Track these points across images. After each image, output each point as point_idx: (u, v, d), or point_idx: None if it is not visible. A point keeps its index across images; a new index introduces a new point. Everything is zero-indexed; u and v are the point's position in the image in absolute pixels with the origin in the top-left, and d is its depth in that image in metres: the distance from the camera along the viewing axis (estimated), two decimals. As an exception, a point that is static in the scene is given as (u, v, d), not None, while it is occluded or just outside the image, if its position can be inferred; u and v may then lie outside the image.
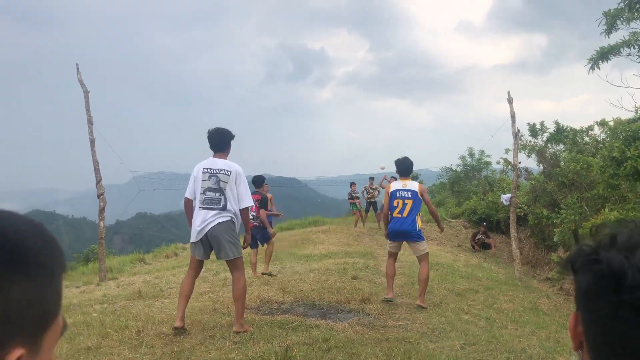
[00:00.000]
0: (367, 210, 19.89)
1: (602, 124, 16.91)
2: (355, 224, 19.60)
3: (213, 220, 5.46)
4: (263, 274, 9.52)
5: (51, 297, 0.74)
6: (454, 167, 27.75)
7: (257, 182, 10.31)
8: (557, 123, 18.59)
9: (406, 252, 12.96)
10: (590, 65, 11.78)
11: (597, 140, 17.45)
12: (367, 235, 17.32)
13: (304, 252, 13.33)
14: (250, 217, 8.99)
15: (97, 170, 11.73)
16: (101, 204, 11.66)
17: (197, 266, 5.75)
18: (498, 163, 23.10)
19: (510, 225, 12.64)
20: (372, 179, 20.08)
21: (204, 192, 5.57)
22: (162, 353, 4.83)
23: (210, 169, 5.62)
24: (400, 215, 7.10)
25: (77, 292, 9.72)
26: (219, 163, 5.66)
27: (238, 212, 5.59)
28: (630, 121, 11.54)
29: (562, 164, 16.65)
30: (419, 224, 7.13)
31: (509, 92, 12.76)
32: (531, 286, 10.87)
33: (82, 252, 20.24)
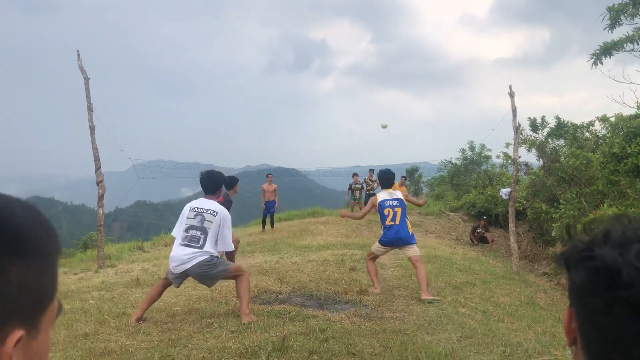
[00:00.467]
0: (365, 203, 19.89)
1: (603, 119, 16.89)
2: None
3: (194, 259, 5.49)
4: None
5: (48, 280, 0.74)
6: (453, 161, 27.76)
7: (229, 184, 8.69)
8: (558, 118, 18.58)
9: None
10: (593, 60, 11.75)
11: (597, 136, 17.45)
12: (366, 227, 17.34)
13: (302, 242, 13.35)
14: None
15: (96, 157, 11.72)
16: (100, 191, 11.66)
17: (168, 282, 5.84)
18: (498, 157, 23.12)
19: (509, 220, 12.66)
20: (372, 170, 20.08)
21: (187, 230, 5.64)
22: (160, 340, 4.85)
23: (198, 208, 5.74)
24: (393, 223, 7.35)
25: (75, 278, 9.74)
26: (208, 204, 5.78)
27: (216, 253, 5.65)
28: (632, 117, 11.53)
29: (562, 159, 16.66)
30: (410, 228, 7.44)
31: (510, 86, 12.73)
32: (528, 280, 10.90)
33: (80, 239, 20.28)
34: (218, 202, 8.32)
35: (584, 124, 18.33)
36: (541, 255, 15.59)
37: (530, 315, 6.98)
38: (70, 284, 8.72)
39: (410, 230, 7.41)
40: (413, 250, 7.33)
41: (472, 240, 16.75)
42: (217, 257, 5.65)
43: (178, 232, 5.72)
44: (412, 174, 35.66)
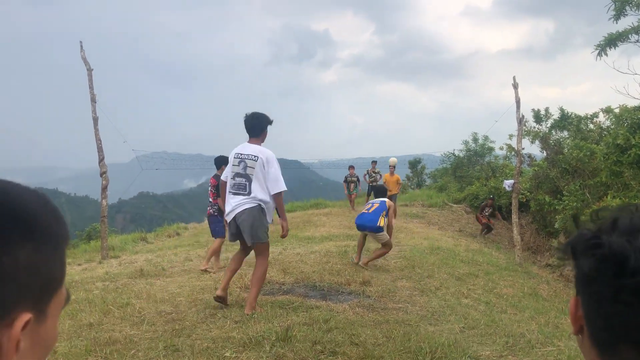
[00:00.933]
0: (368, 194, 19.84)
1: (608, 111, 16.82)
2: (353, 206, 19.61)
3: (240, 206, 5.49)
4: (202, 270, 8.43)
5: (56, 266, 0.75)
6: (456, 153, 27.71)
7: (217, 163, 8.91)
8: (561, 110, 18.51)
9: (407, 236, 12.99)
10: (597, 51, 11.68)
11: (601, 128, 17.38)
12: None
13: (305, 234, 13.37)
14: (209, 202, 8.88)
15: (100, 148, 11.73)
16: (104, 182, 11.69)
17: (242, 247, 5.84)
18: (501, 149, 23.07)
19: (512, 211, 12.65)
20: (374, 162, 20.02)
21: (233, 177, 5.60)
22: (164, 331, 4.87)
23: (241, 154, 5.62)
24: (366, 211, 8.90)
25: (79, 269, 9.78)
26: (248, 148, 5.63)
27: (267, 198, 5.55)
28: (636, 109, 11.48)
29: (565, 150, 16.61)
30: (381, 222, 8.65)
31: (514, 78, 12.68)
32: (531, 272, 10.90)
33: (84, 230, 20.35)
34: (218, 175, 8.45)
35: (588, 116, 18.26)
36: (544, 247, 15.59)
37: (533, 306, 6.99)
38: (74, 274, 8.76)
39: (378, 223, 8.59)
40: (379, 239, 8.70)
41: (479, 221, 16.58)
42: (265, 206, 5.55)
43: (227, 179, 5.68)
44: (414, 166, 35.61)
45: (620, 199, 10.88)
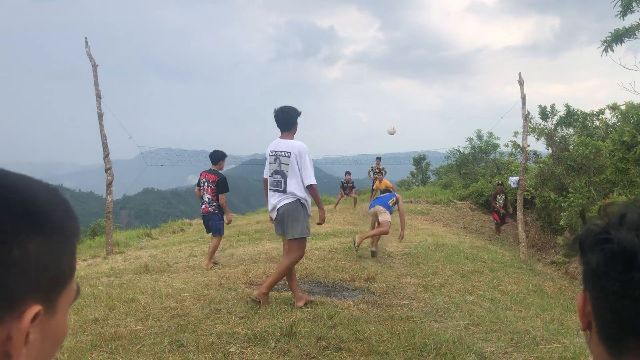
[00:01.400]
0: (373, 190, 19.85)
1: (614, 107, 16.73)
2: (355, 205, 19.61)
3: (280, 202, 5.60)
4: (209, 267, 8.26)
5: (66, 259, 0.74)
6: (461, 149, 27.65)
7: (214, 157, 8.73)
8: (567, 106, 18.41)
9: (412, 232, 12.97)
10: (603, 47, 11.62)
11: (607, 124, 17.30)
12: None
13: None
14: (206, 199, 8.46)
15: (104, 144, 11.77)
16: (109, 178, 11.72)
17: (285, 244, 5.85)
18: (506, 145, 23.00)
19: (517, 208, 12.63)
20: (379, 159, 20.00)
21: (271, 175, 5.70)
22: (169, 326, 4.88)
23: (275, 151, 5.68)
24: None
25: (84, 265, 9.83)
26: (281, 145, 5.67)
27: (304, 193, 5.62)
28: (643, 105, 11.42)
29: (571, 147, 16.54)
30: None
31: (520, 74, 12.64)
32: (536, 269, 10.88)
33: (89, 226, 20.42)
34: (215, 170, 8.40)
35: (594, 112, 18.17)
36: (549, 244, 15.55)
37: (538, 303, 6.98)
38: (79, 270, 8.79)
39: (387, 203, 9.70)
40: (382, 217, 9.48)
41: (494, 207, 16.46)
42: (304, 200, 5.62)
43: (267, 177, 5.79)
44: (419, 163, 35.56)
45: (626, 196, 10.84)
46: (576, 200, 12.96)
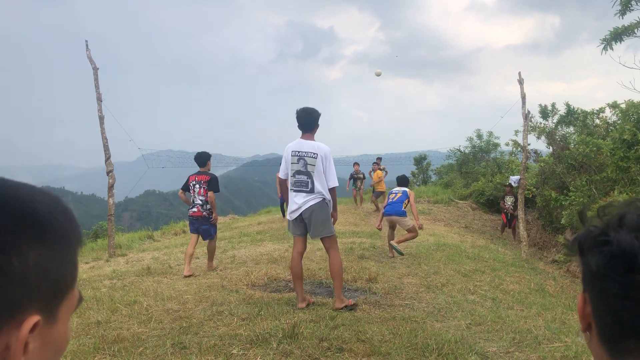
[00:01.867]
0: (374, 191, 19.85)
1: (614, 106, 16.71)
2: (355, 202, 19.63)
3: (305, 203, 5.62)
4: (211, 271, 8.13)
5: (67, 267, 0.74)
6: (462, 149, 27.64)
7: (201, 159, 8.37)
8: (567, 105, 18.40)
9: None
10: (603, 46, 11.62)
11: (607, 123, 17.28)
12: (374, 216, 17.35)
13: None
14: (199, 201, 8.11)
15: (106, 147, 11.79)
16: (110, 180, 11.74)
17: (300, 244, 5.87)
18: (507, 145, 23.00)
19: (518, 207, 12.63)
20: (379, 159, 20.02)
21: (294, 175, 5.71)
22: (171, 328, 4.89)
23: (299, 151, 5.70)
24: (391, 200, 9.87)
25: (86, 267, 9.84)
26: (306, 145, 5.72)
27: (328, 193, 5.70)
28: (643, 104, 11.41)
29: (571, 146, 16.53)
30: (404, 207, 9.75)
31: (519, 73, 12.64)
32: (538, 268, 10.87)
33: (91, 228, 20.43)
34: (204, 171, 8.21)
35: (594, 111, 18.15)
36: (550, 243, 15.53)
37: (540, 302, 6.98)
38: (81, 272, 8.80)
39: (403, 209, 9.70)
40: (404, 225, 9.62)
41: (502, 208, 16.27)
42: (329, 200, 5.71)
43: (287, 177, 5.80)
44: (420, 162, 35.54)
45: (627, 194, 10.83)
46: (577, 199, 12.95)
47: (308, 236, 5.87)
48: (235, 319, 5.12)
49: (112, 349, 4.29)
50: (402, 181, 10.48)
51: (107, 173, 11.78)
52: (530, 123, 14.41)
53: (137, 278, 7.70)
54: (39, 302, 0.69)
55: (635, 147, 10.42)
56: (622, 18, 11.33)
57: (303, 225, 5.76)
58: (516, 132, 19.99)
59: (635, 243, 0.76)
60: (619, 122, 14.60)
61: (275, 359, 4.09)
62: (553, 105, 18.84)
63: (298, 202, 5.66)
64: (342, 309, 5.54)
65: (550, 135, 17.78)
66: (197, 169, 8.33)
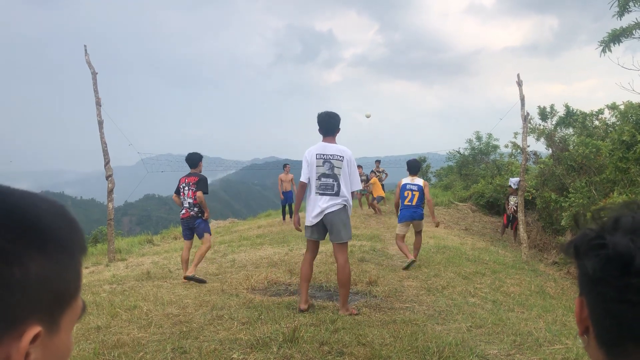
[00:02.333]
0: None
1: (613, 107, 16.73)
2: (361, 206, 19.61)
3: (330, 207, 5.64)
4: (186, 277, 7.49)
5: (70, 277, 0.74)
6: (462, 151, 27.66)
7: (192, 160, 8.18)
8: (567, 106, 18.43)
9: (413, 235, 12.96)
10: (601, 48, 11.63)
11: (607, 124, 17.30)
12: (374, 218, 17.34)
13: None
14: (187, 204, 7.87)
15: (105, 151, 11.79)
16: (110, 185, 11.73)
17: (313, 248, 5.90)
18: (506, 146, 23.02)
19: (518, 209, 12.62)
20: (378, 161, 20.02)
21: (319, 178, 5.71)
22: (171, 333, 4.89)
23: (324, 154, 5.74)
24: (410, 204, 8.92)
25: (86, 272, 9.82)
26: (331, 148, 5.76)
27: (350, 197, 5.75)
28: (642, 105, 11.42)
29: (571, 147, 16.54)
30: (424, 211, 9.12)
31: (518, 75, 12.66)
32: (538, 270, 10.86)
33: (90, 233, 20.43)
34: (195, 172, 8.00)
35: (593, 112, 18.18)
36: (551, 245, 15.52)
37: (540, 304, 6.97)
38: (81, 277, 8.79)
39: (423, 212, 9.04)
40: (419, 225, 9.07)
41: (505, 209, 16.05)
42: (350, 206, 5.77)
43: (310, 180, 5.77)
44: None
45: (626, 195, 10.84)
46: (577, 200, 12.94)
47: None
48: (236, 323, 5.11)
49: (112, 354, 4.28)
50: (414, 168, 9.34)
51: (107, 177, 11.78)
52: (529, 125, 14.41)
53: (136, 283, 7.69)
54: (41, 312, 0.69)
55: (634, 148, 10.43)
56: (620, 19, 11.36)
57: (324, 230, 5.78)
58: (515, 134, 20.05)
59: (631, 246, 0.76)
60: (618, 123, 14.61)
61: (275, 363, 4.09)
62: (552, 106, 18.87)
63: (322, 205, 5.66)
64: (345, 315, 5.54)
65: (549, 137, 17.80)
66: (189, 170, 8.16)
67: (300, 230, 6.07)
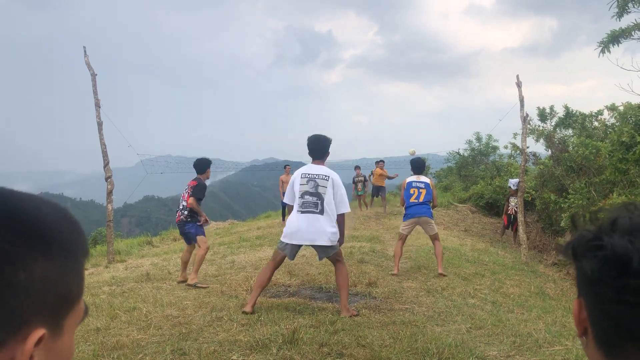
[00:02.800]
0: (373, 195, 19.81)
1: (612, 108, 16.75)
2: (360, 207, 19.61)
3: (311, 224, 5.64)
4: (188, 285, 7.31)
5: (73, 280, 0.74)
6: (461, 152, 27.67)
7: (198, 166, 7.96)
8: (566, 107, 18.44)
9: (413, 236, 12.96)
10: (600, 48, 11.64)
11: (606, 125, 17.32)
12: (374, 219, 17.34)
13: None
14: (180, 206, 7.78)
15: (104, 153, 11.78)
16: (109, 186, 11.72)
17: (279, 260, 5.91)
18: (506, 147, 23.01)
19: (518, 210, 12.63)
20: (382, 162, 19.98)
21: (302, 196, 5.73)
22: (171, 334, 4.88)
23: (309, 174, 5.80)
24: (416, 201, 8.53)
25: (85, 274, 9.78)
26: (317, 169, 5.85)
27: (334, 216, 5.74)
28: (641, 106, 11.43)
29: (570, 148, 16.55)
30: (431, 209, 8.66)
31: (517, 76, 12.66)
32: (537, 271, 10.87)
33: (90, 234, 20.44)
34: (198, 178, 7.79)
35: (593, 113, 18.19)
36: (550, 246, 15.52)
37: (540, 305, 6.97)
38: (81, 279, 8.78)
39: (431, 211, 8.64)
40: (432, 228, 8.50)
41: (506, 211, 15.84)
42: (334, 225, 5.73)
43: (293, 200, 5.83)
44: (419, 166, 35.50)
45: (626, 196, 10.84)
46: (576, 201, 12.95)
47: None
48: (235, 325, 5.11)
49: (112, 356, 4.28)
50: (419, 167, 8.97)
51: (106, 179, 11.77)
52: (528, 126, 14.42)
53: (136, 284, 7.68)
54: (45, 315, 0.69)
55: (634, 149, 10.44)
56: (619, 20, 11.36)
57: (298, 248, 5.88)
58: (515, 134, 20.03)
59: (629, 247, 0.76)
60: (617, 124, 14.62)
61: (275, 364, 4.08)
62: (551, 107, 18.88)
63: (302, 226, 5.65)
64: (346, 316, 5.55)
65: (548, 138, 17.81)
66: (193, 173, 8.00)
67: None
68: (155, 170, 20.72)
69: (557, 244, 13.24)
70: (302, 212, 5.70)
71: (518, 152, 18.90)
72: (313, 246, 5.80)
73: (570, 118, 18.18)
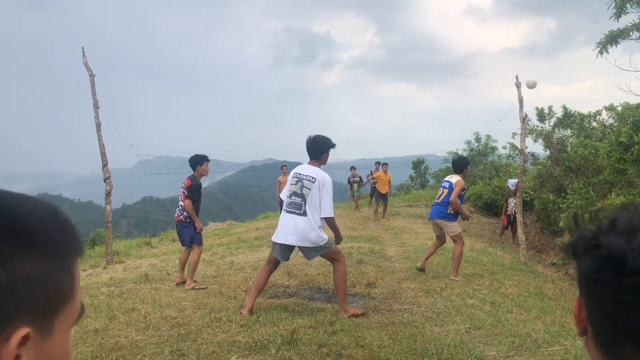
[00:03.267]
0: (372, 195, 19.82)
1: (610, 108, 16.76)
2: (356, 208, 19.61)
3: (296, 225, 5.63)
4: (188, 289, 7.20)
5: (62, 279, 0.73)
6: (460, 152, 27.68)
7: (191, 162, 7.74)
8: (564, 108, 18.46)
9: (411, 237, 12.95)
10: (599, 49, 11.66)
11: (604, 125, 17.34)
12: (373, 220, 17.34)
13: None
14: (179, 206, 7.68)
15: (103, 154, 11.77)
16: (107, 187, 11.71)
17: (275, 263, 5.91)
18: (504, 148, 23.03)
19: (517, 210, 12.63)
20: (378, 163, 19.98)
21: (290, 196, 5.76)
22: (169, 335, 4.88)
23: (300, 174, 5.81)
24: (437, 201, 8.47)
25: (84, 275, 9.80)
26: (307, 169, 5.82)
27: (319, 219, 5.70)
28: (639, 106, 11.44)
29: (569, 149, 16.56)
30: (449, 209, 8.29)
31: (517, 77, 12.67)
32: (536, 271, 10.87)
33: (88, 235, 20.41)
34: (193, 176, 7.60)
35: (591, 114, 18.21)
36: (549, 246, 15.53)
37: (539, 305, 6.97)
38: (79, 280, 8.77)
39: (449, 211, 8.27)
40: (446, 230, 8.35)
41: (505, 212, 15.67)
42: (319, 226, 5.70)
43: (284, 197, 5.88)
44: (418, 166, 35.58)
45: (624, 196, 10.85)
46: (575, 202, 12.96)
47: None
48: (234, 326, 5.10)
49: (110, 357, 4.27)
50: (456, 166, 8.92)
51: (105, 180, 11.76)
52: (527, 126, 14.42)
53: (134, 285, 7.68)
54: (30, 314, 0.68)
55: (632, 149, 10.44)
56: (617, 21, 11.38)
57: (289, 251, 5.85)
58: (514, 135, 20.03)
59: (626, 246, 0.77)
60: (615, 124, 14.64)
61: (274, 365, 4.08)
62: (550, 108, 18.90)
63: (289, 224, 5.66)
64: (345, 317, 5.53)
65: (547, 138, 17.82)
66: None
67: None
68: (154, 171, 20.70)
69: (557, 243, 13.26)
70: (288, 212, 5.73)
71: (517, 152, 18.91)
72: (298, 247, 5.79)
73: (568, 118, 18.20)
